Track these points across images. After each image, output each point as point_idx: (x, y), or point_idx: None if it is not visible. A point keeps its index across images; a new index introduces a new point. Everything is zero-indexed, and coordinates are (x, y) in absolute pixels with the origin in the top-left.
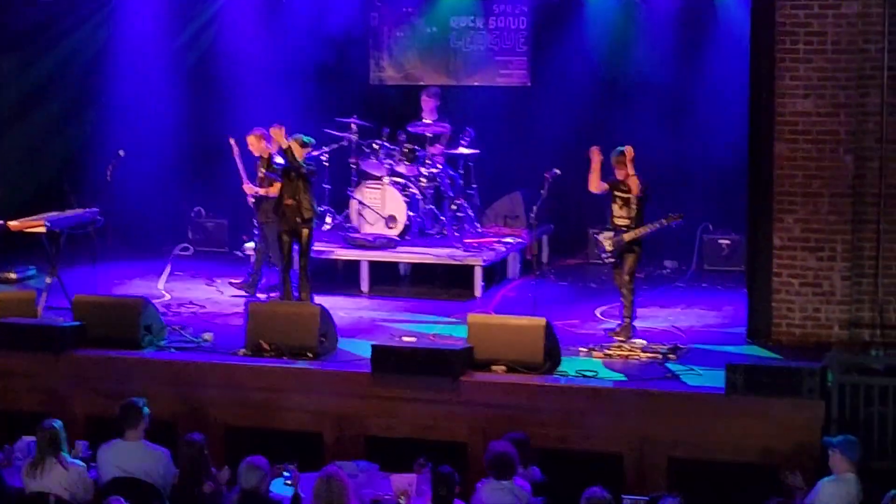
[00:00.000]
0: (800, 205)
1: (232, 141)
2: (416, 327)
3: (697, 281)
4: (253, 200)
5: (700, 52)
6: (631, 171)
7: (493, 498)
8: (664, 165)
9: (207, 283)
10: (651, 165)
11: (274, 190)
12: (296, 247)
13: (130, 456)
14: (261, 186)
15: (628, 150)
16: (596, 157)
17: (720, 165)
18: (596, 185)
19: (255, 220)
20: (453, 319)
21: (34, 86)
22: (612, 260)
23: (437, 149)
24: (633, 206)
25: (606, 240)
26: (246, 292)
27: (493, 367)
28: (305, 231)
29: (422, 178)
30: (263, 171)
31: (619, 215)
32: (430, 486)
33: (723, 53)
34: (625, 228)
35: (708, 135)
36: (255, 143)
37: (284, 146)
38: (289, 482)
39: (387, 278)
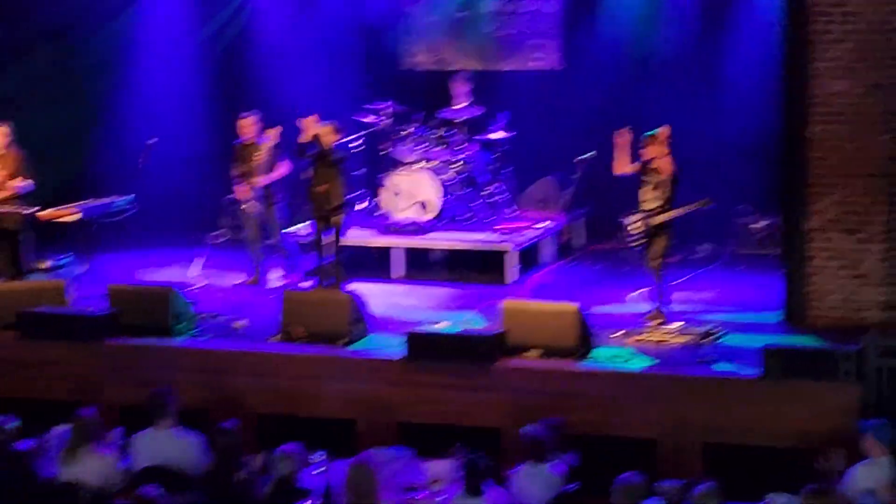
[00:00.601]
0: (835, 186)
1: (273, 131)
2: (450, 313)
3: (732, 264)
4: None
5: (732, 32)
6: (665, 151)
7: (528, 482)
8: (698, 148)
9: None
10: (685, 148)
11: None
12: (328, 234)
13: (163, 444)
14: (255, 172)
15: (662, 132)
16: (625, 137)
17: (755, 147)
18: (622, 166)
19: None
20: (486, 304)
21: (68, 75)
22: (640, 243)
23: (469, 134)
24: (664, 189)
25: (634, 223)
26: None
27: (527, 353)
28: (337, 218)
29: (455, 164)
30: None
31: (648, 198)
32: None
33: (756, 33)
34: (654, 212)
35: (743, 116)
36: (247, 127)
37: (315, 133)
38: (318, 470)
39: (420, 264)
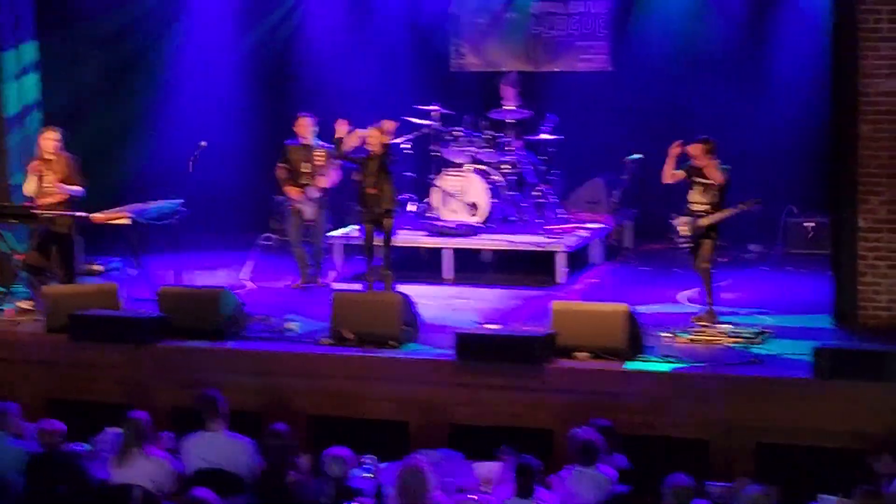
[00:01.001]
0: (885, 186)
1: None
2: (500, 314)
3: (782, 264)
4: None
5: (780, 31)
6: (711, 161)
7: (578, 485)
8: (748, 148)
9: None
10: (734, 148)
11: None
12: (379, 236)
13: (214, 447)
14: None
15: (698, 147)
16: (674, 150)
17: (804, 147)
18: (668, 176)
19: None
20: (536, 306)
21: (118, 80)
22: (688, 245)
23: (518, 135)
24: (713, 194)
25: (683, 225)
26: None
27: (577, 354)
28: (388, 221)
29: (504, 165)
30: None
31: (698, 201)
32: (513, 475)
33: (804, 31)
34: (702, 214)
35: (791, 116)
36: (306, 128)
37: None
38: (368, 474)
39: (470, 266)
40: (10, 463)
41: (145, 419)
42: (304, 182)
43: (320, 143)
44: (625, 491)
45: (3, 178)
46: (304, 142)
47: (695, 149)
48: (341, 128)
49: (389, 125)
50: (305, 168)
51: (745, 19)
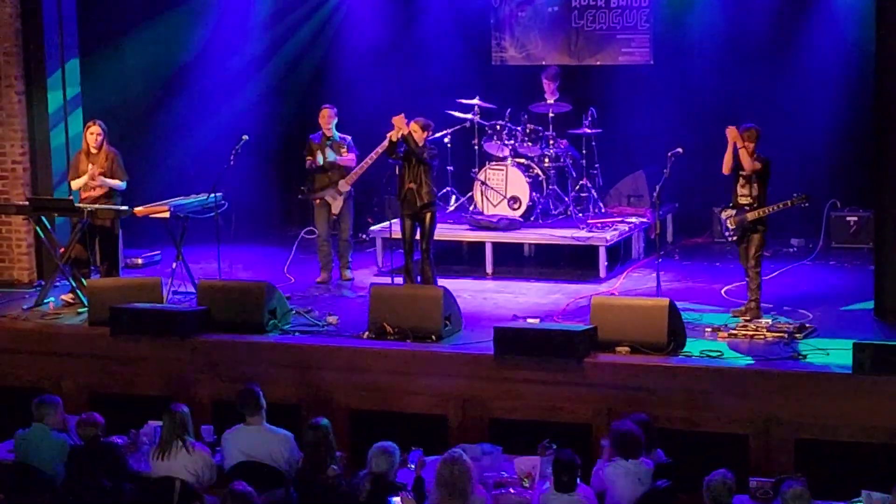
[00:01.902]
0: None
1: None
2: (541, 308)
3: (825, 258)
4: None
5: (823, 24)
6: (742, 144)
7: (618, 478)
8: (791, 141)
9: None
10: (778, 142)
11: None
12: (418, 230)
13: (254, 440)
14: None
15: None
16: (732, 135)
17: (848, 140)
18: (728, 166)
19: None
20: (577, 300)
21: (160, 76)
22: (735, 238)
23: (559, 129)
24: (755, 185)
25: (729, 218)
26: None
27: (617, 348)
28: (428, 214)
29: (545, 159)
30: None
31: (742, 193)
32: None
33: (847, 24)
34: (747, 207)
35: (834, 109)
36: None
37: (405, 131)
38: (411, 465)
39: (511, 259)
40: (52, 455)
41: (186, 412)
42: (327, 176)
43: (340, 135)
44: (664, 486)
45: (47, 172)
46: (325, 133)
47: (732, 131)
48: (399, 124)
49: (424, 123)
50: (329, 162)
51: (786, 10)
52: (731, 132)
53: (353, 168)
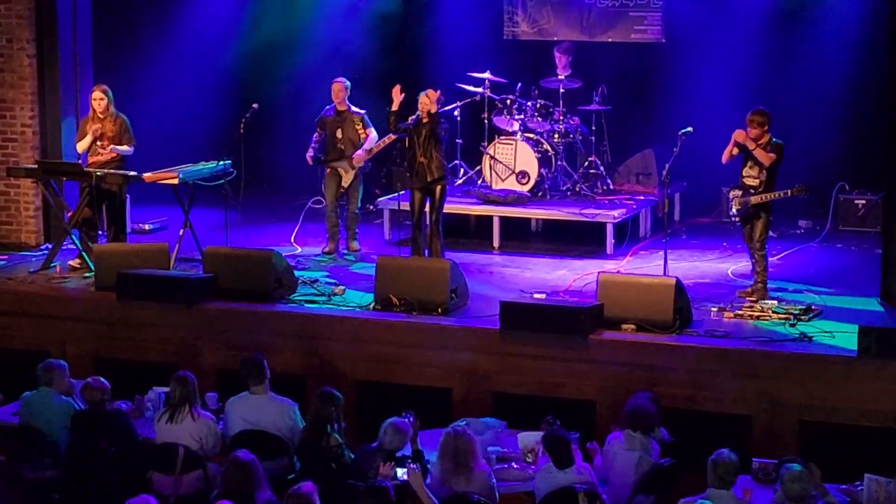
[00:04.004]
0: None
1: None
2: (547, 283)
3: (832, 241)
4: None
5: (843, 3)
6: (763, 135)
7: (624, 450)
8: (800, 122)
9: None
10: (787, 125)
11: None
12: (427, 203)
13: (258, 409)
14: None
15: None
16: (738, 136)
17: (857, 123)
18: (727, 157)
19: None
20: (583, 276)
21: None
22: (739, 219)
23: (569, 105)
24: (764, 169)
25: (735, 198)
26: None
27: (623, 326)
28: (438, 188)
29: (554, 135)
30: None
31: (749, 175)
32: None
33: (856, 8)
34: (752, 190)
35: (844, 92)
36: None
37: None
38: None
39: (518, 234)
40: (57, 419)
41: (192, 379)
42: (338, 150)
43: (354, 108)
44: (667, 464)
45: (57, 135)
46: (338, 107)
47: (739, 134)
48: (397, 98)
49: (435, 94)
50: (339, 135)
51: None
52: (739, 135)
53: (369, 144)
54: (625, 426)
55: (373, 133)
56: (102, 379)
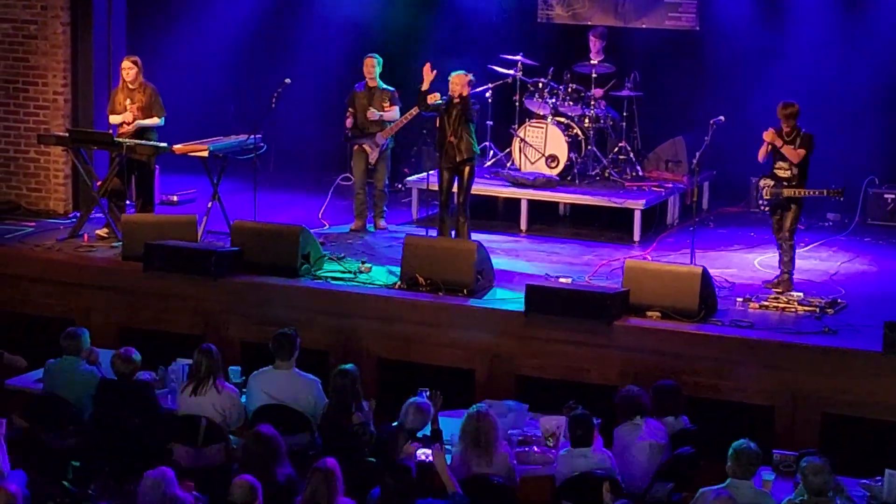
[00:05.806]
0: None
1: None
2: (574, 268)
3: (860, 235)
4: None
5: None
6: (781, 144)
7: (624, 437)
8: (832, 115)
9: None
10: (818, 117)
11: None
12: (456, 183)
13: (281, 384)
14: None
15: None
16: (769, 138)
17: (889, 117)
18: (762, 156)
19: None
20: (611, 262)
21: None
22: (769, 209)
23: (601, 90)
24: (792, 164)
25: (766, 187)
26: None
27: (648, 313)
28: (467, 168)
29: (585, 119)
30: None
31: (781, 166)
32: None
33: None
34: (785, 182)
35: (875, 84)
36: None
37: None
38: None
39: (546, 218)
40: (81, 388)
41: (216, 352)
42: (368, 127)
43: (384, 85)
44: (688, 452)
45: (89, 104)
46: (369, 83)
47: (768, 134)
48: (428, 77)
49: (466, 77)
50: (370, 113)
51: None
52: (768, 135)
53: (388, 116)
54: (621, 419)
55: (394, 110)
56: (134, 351)
